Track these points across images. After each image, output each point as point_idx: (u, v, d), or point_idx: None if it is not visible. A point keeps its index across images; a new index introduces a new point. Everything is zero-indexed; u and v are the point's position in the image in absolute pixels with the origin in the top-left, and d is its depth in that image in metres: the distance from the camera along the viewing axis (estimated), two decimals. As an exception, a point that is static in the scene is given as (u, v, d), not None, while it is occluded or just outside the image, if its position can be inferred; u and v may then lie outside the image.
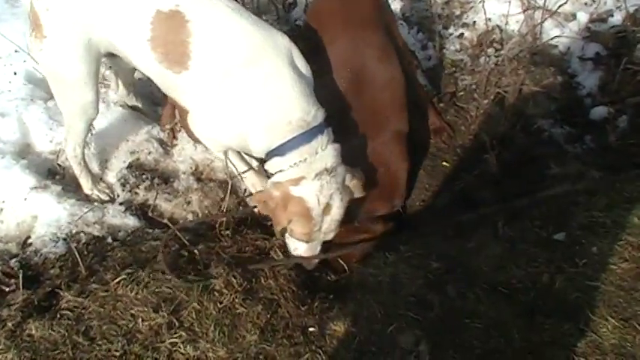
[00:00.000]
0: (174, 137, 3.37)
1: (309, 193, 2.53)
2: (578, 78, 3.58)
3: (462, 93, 3.67)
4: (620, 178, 2.93)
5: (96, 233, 2.99)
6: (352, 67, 2.91)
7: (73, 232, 2.98)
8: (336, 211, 2.61)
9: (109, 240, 2.96)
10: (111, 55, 2.80)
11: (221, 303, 2.58)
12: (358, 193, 2.70)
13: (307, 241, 2.68)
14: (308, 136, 2.51)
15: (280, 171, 2.56)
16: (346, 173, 2.62)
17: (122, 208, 3.10)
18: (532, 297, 2.56)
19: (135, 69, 2.98)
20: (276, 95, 2.49)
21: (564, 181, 3.00)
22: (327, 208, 2.58)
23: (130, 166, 3.25)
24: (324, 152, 2.54)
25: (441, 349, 2.43)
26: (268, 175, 2.67)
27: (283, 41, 2.55)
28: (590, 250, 2.68)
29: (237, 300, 2.58)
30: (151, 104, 3.58)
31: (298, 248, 2.73)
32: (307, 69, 2.62)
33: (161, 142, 3.36)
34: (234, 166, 2.94)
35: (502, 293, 2.57)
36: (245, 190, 3.13)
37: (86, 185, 3.14)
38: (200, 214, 3.06)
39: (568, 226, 2.77)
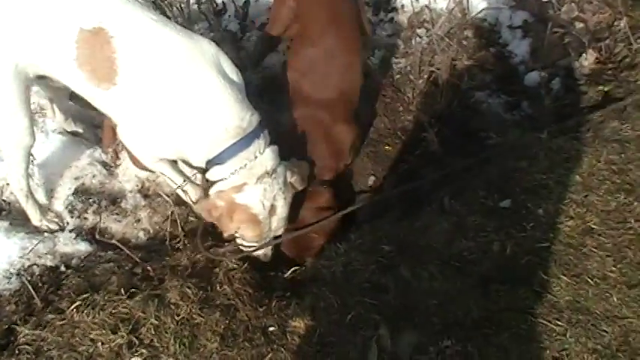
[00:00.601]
0: (117, 157, 3.33)
1: (253, 200, 2.56)
2: (510, 47, 3.63)
3: (398, 76, 3.69)
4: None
5: (49, 264, 2.93)
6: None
7: (26, 265, 2.92)
8: (282, 210, 2.65)
9: (62, 268, 2.91)
10: (41, 78, 2.75)
11: (178, 315, 2.56)
12: (300, 187, 2.73)
13: (259, 242, 2.69)
14: (245, 142, 2.52)
15: (222, 180, 2.57)
16: (286, 171, 2.64)
17: (73, 235, 3.05)
18: (485, 267, 2.59)
19: (70, 94, 2.94)
20: (209, 105, 2.48)
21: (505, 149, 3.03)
22: (272, 210, 2.62)
23: (75, 192, 3.20)
24: (263, 156, 2.56)
25: (401, 330, 2.45)
26: (210, 184, 2.67)
27: (210, 48, 2.53)
28: (537, 212, 2.72)
29: (194, 310, 2.57)
30: (91, 127, 3.53)
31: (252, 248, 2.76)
32: (237, 74, 2.61)
33: (104, 164, 3.31)
34: (171, 180, 2.92)
35: (455, 267, 2.60)
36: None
37: (34, 217, 3.09)
38: (151, 231, 3.04)
39: (512, 192, 2.82)
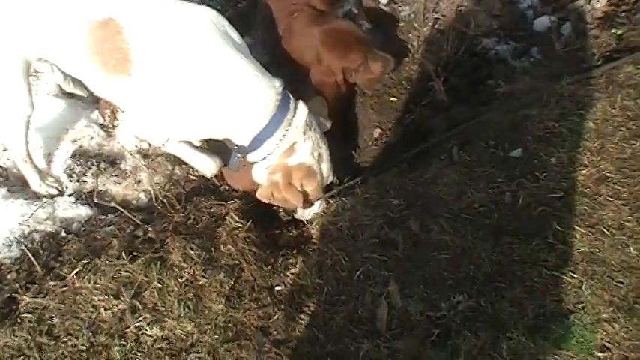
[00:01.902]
0: (115, 118, 3.25)
1: (305, 155, 2.56)
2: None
3: (402, 24, 3.56)
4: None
5: (49, 229, 2.89)
6: None
7: (26, 232, 2.87)
8: (326, 154, 2.65)
9: (63, 234, 2.86)
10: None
11: (182, 277, 2.52)
12: (328, 125, 2.73)
13: (318, 196, 2.70)
14: (283, 107, 2.49)
15: (270, 153, 2.53)
16: (314, 116, 2.62)
17: (72, 199, 3.00)
18: (496, 218, 2.52)
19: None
20: (241, 86, 2.44)
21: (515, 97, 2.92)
22: (320, 158, 2.61)
23: (74, 155, 3.13)
24: (298, 111, 2.53)
25: (411, 286, 2.40)
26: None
27: (216, 17, 2.49)
28: (549, 161, 2.64)
29: (197, 272, 2.52)
30: (87, 89, 3.44)
31: (312, 210, 2.76)
32: (241, 39, 2.57)
33: (102, 125, 3.24)
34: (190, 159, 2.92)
35: (465, 220, 2.53)
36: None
37: (34, 182, 3.03)
38: (152, 192, 2.97)
39: (523, 141, 2.73)
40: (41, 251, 2.79)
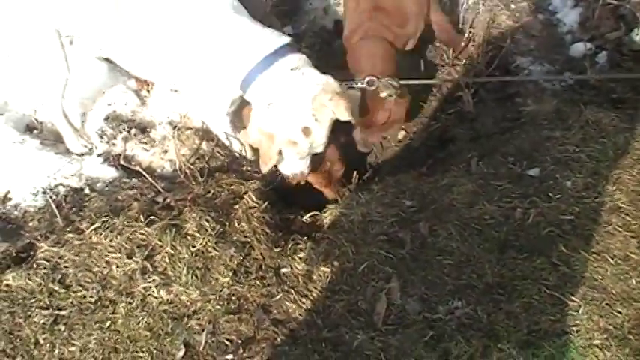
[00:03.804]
0: (150, 88, 3.34)
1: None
2: (559, 15, 3.50)
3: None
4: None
5: (74, 185, 3.00)
6: None
7: (52, 185, 3.00)
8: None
9: (87, 191, 2.97)
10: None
11: (194, 247, 2.60)
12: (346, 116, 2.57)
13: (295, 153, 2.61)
14: (280, 51, 2.52)
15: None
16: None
17: (100, 159, 3.11)
18: (504, 232, 2.56)
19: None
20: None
21: (540, 117, 2.96)
22: None
23: (107, 118, 3.24)
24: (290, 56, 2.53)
25: (412, 285, 2.45)
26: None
27: None
28: (564, 184, 2.66)
29: (209, 243, 2.60)
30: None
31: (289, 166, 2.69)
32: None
33: (137, 92, 3.34)
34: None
35: (474, 229, 2.57)
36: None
37: (68, 139, 3.15)
38: (177, 162, 3.06)
39: (542, 161, 2.75)
40: (64, 204, 2.91)
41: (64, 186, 3.00)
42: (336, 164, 2.94)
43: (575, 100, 3.02)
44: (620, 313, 2.33)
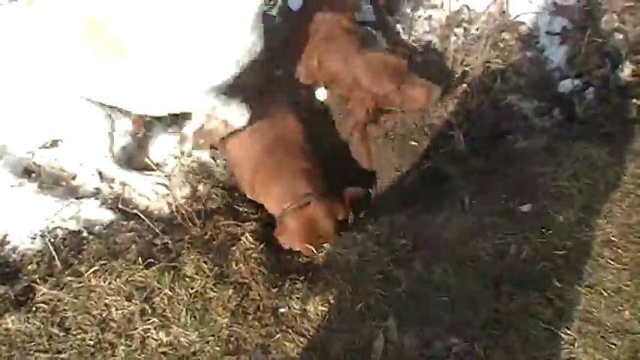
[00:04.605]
0: (147, 130, 3.40)
1: None
2: (547, 52, 3.58)
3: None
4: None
5: (72, 228, 3.02)
6: None
7: (50, 228, 3.02)
8: None
9: (85, 234, 2.99)
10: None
11: (192, 288, 2.62)
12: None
13: None
14: None
15: None
16: None
17: (98, 202, 3.13)
18: (499, 268, 2.58)
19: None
20: None
21: (532, 153, 3.01)
22: None
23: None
24: None
25: (409, 323, 2.46)
26: None
27: None
28: (557, 219, 2.70)
29: (208, 285, 2.62)
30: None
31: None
32: None
33: (133, 135, 3.38)
34: None
35: (469, 266, 2.60)
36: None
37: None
38: (174, 205, 3.10)
39: (534, 197, 2.79)
40: (62, 247, 2.93)
41: (61, 229, 3.02)
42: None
43: (564, 136, 3.07)
44: (615, 345, 2.34)
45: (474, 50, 3.48)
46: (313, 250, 2.83)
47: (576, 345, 2.35)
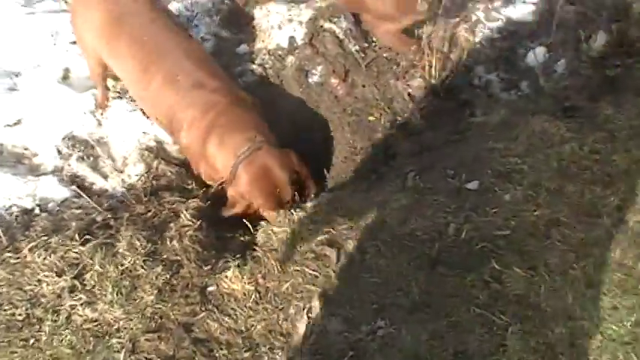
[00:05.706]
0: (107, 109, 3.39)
1: None
2: (516, 20, 3.37)
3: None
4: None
5: (26, 205, 3.04)
6: None
7: (7, 205, 3.04)
8: None
9: (37, 211, 3.00)
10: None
11: (122, 265, 2.60)
12: None
13: None
14: None
15: None
16: None
17: (55, 179, 3.13)
18: (436, 249, 2.46)
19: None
20: None
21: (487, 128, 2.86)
22: None
23: (64, 138, 3.28)
24: None
25: (336, 304, 2.38)
26: None
27: None
28: (503, 197, 2.56)
29: (138, 262, 2.60)
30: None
31: None
32: None
33: (93, 113, 3.37)
34: None
35: (405, 245, 2.49)
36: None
37: None
38: (126, 183, 3.07)
39: (482, 174, 2.65)
40: (15, 224, 2.95)
41: (17, 206, 3.04)
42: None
43: (525, 109, 2.90)
44: (552, 332, 2.20)
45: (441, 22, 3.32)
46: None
47: (510, 330, 2.21)
